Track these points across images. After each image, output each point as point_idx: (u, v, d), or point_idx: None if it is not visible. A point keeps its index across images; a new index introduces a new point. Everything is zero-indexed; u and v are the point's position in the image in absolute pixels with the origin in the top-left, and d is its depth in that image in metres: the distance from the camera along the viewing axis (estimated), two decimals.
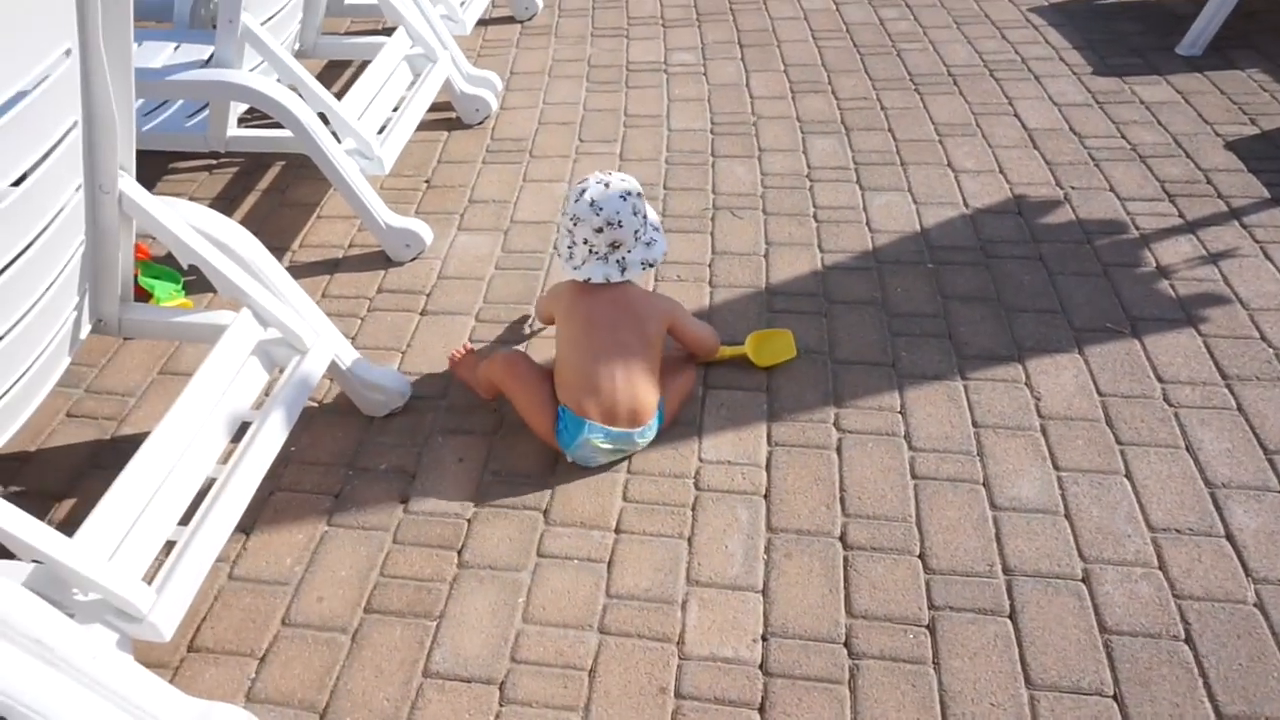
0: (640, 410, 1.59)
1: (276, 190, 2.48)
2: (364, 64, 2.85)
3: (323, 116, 2.05)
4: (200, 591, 1.47)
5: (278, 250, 2.26)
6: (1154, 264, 2.06)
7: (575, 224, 1.57)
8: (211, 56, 2.02)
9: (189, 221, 1.51)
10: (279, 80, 2.04)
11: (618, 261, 1.58)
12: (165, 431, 1.36)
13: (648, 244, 1.61)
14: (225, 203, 2.45)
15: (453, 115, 2.74)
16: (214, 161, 2.60)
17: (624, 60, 3.07)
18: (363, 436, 1.75)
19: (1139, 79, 2.78)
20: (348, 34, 3.27)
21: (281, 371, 1.58)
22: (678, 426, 1.72)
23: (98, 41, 1.24)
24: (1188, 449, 1.64)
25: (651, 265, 1.61)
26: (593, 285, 1.60)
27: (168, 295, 2.03)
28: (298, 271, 2.18)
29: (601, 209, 1.54)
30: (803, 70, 2.93)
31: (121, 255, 1.54)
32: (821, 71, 2.92)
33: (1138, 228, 2.17)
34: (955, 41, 3.07)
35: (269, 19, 2.05)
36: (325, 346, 1.62)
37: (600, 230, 1.55)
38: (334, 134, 2.07)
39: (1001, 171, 2.40)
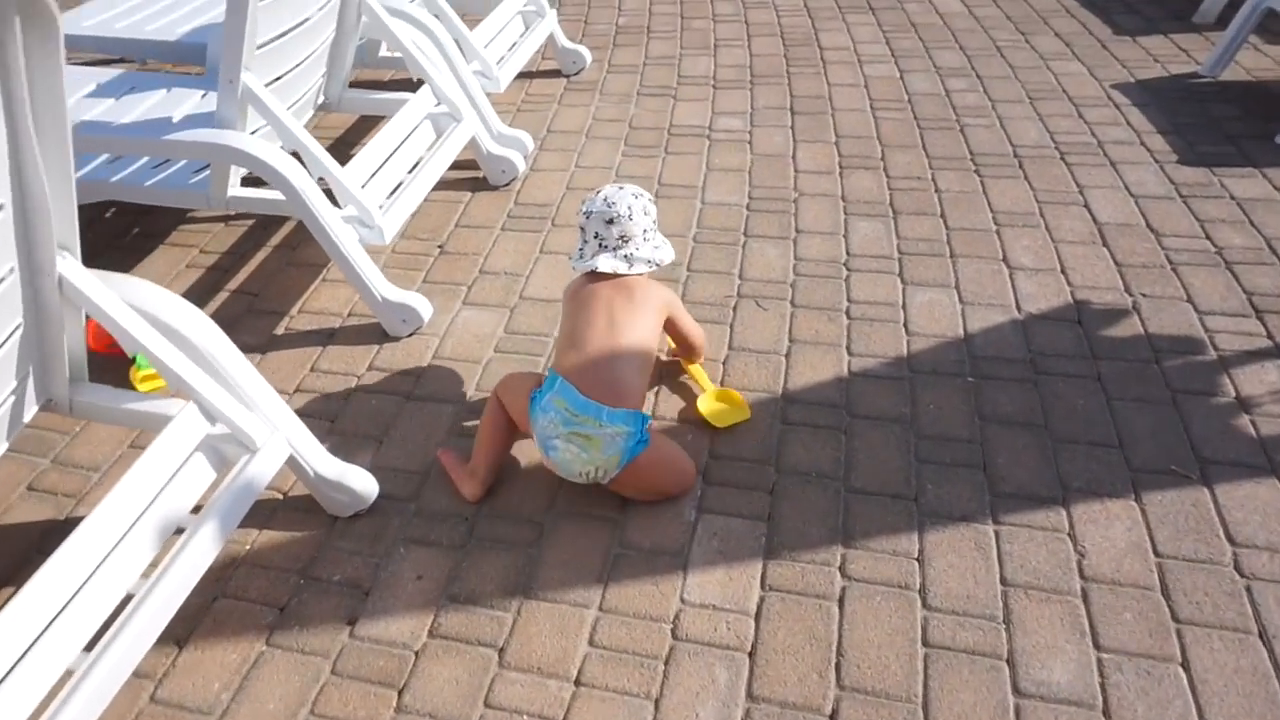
0: (618, 388, 1.54)
1: (287, 247, 2.40)
2: None
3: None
4: (117, 710, 1.34)
5: (276, 314, 2.16)
6: (1233, 394, 1.79)
7: (588, 219, 1.70)
8: None
9: (137, 305, 1.40)
10: (281, 144, 1.94)
11: (625, 256, 1.67)
12: (81, 539, 1.24)
13: (655, 247, 1.71)
14: (234, 258, 2.37)
15: (480, 175, 2.62)
16: (230, 213, 2.53)
17: (667, 122, 2.92)
18: (323, 538, 1.61)
19: (1231, 171, 2.50)
20: (381, 87, 3.20)
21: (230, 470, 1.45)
22: (662, 556, 1.53)
23: (25, 120, 1.13)
24: (1261, 636, 1.37)
25: (658, 265, 1.70)
26: (599, 274, 1.67)
27: (148, 364, 1.93)
28: (291, 340, 2.07)
29: (614, 203, 1.68)
30: (855, 143, 2.73)
31: (68, 337, 1.43)
32: (875, 145, 2.72)
33: (1216, 348, 1.90)
34: (1026, 119, 2.83)
35: (276, 80, 1.96)
36: (278, 446, 1.48)
37: (611, 222, 1.67)
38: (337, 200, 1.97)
39: (1063, 271, 2.15)
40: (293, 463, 1.55)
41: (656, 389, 1.88)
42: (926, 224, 2.34)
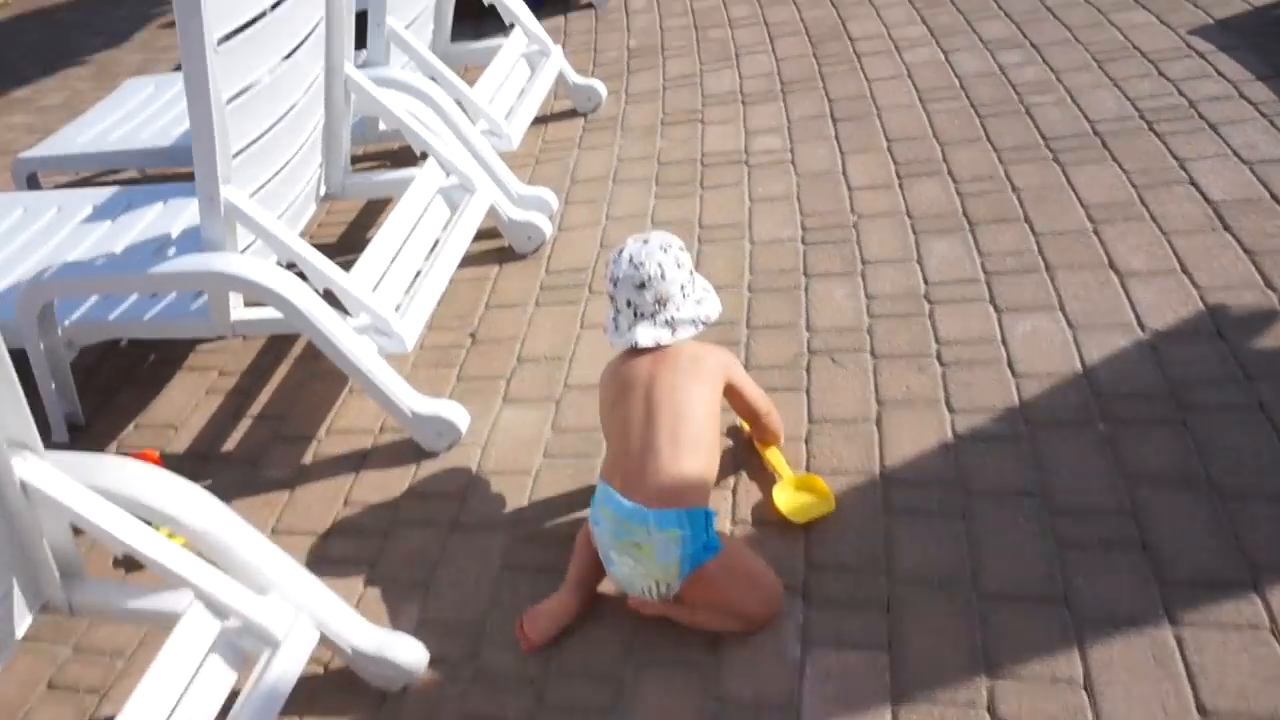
0: (666, 485, 1.32)
1: (309, 358, 2.18)
2: None
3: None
4: None
5: (303, 439, 1.94)
6: None
7: (616, 286, 1.47)
8: None
9: (117, 492, 1.18)
10: (277, 259, 1.73)
11: (667, 322, 1.45)
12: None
13: (698, 301, 1.48)
14: (255, 377, 2.17)
15: (504, 244, 2.38)
16: None
17: (699, 152, 2.64)
18: (372, 715, 1.38)
19: None
20: (394, 157, 2.98)
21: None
22: (769, 712, 1.26)
23: None
24: None
25: (705, 324, 1.48)
26: (639, 350, 1.45)
27: None
28: (321, 468, 1.86)
29: (642, 264, 1.43)
30: (910, 146, 2.42)
31: (48, 537, 1.23)
32: (933, 145, 2.40)
33: None
34: (1099, 87, 2.48)
35: (262, 186, 1.74)
36: (304, 633, 1.26)
37: (643, 286, 1.43)
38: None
39: (1185, 270, 1.82)
40: (326, 641, 1.32)
41: (733, 481, 1.61)
42: (1010, 233, 2.02)
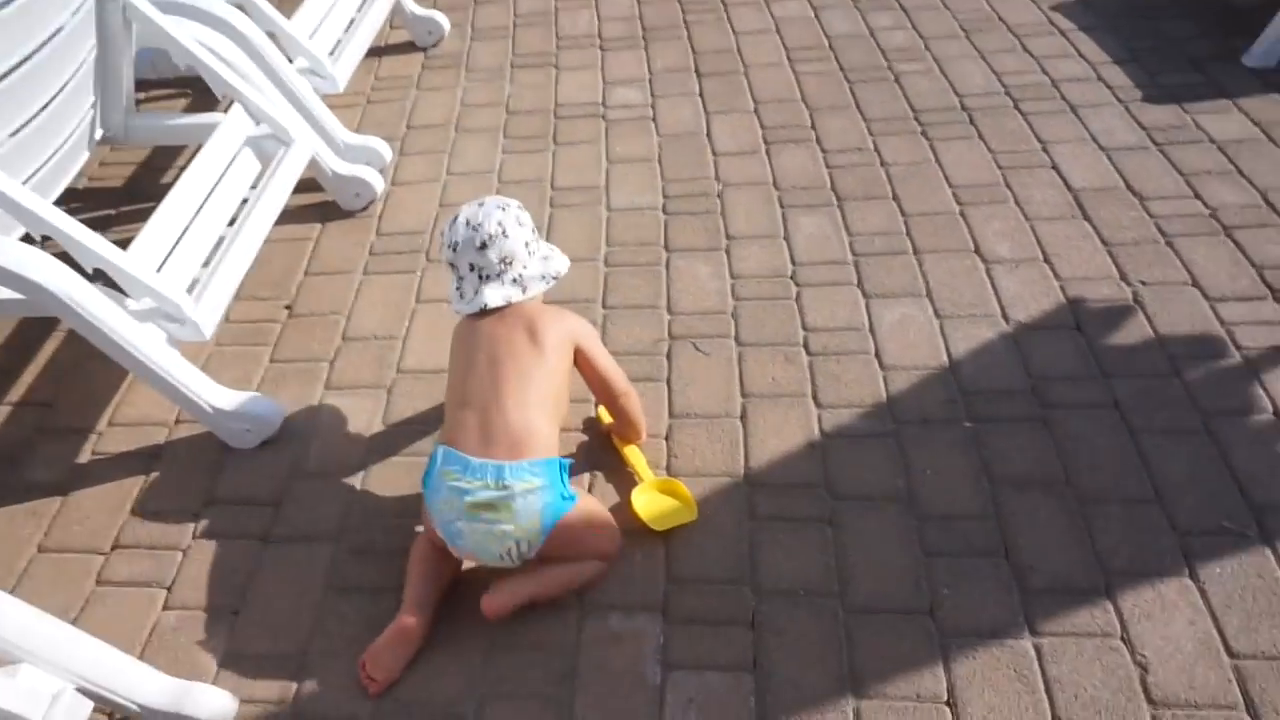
0: (516, 437, 1.31)
1: None
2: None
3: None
4: None
5: (77, 433, 1.71)
6: (1270, 408, 1.55)
7: (456, 253, 1.43)
8: None
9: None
10: (28, 232, 1.47)
11: (515, 280, 1.42)
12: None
13: (544, 258, 1.47)
14: (16, 352, 1.88)
15: (329, 199, 2.17)
16: None
17: (552, 101, 2.50)
18: None
19: (1203, 106, 2.26)
20: (187, 98, 2.66)
21: None
22: None
23: None
24: None
25: (555, 279, 1.47)
26: (486, 312, 1.41)
27: None
28: (101, 470, 1.64)
29: (480, 224, 1.41)
30: (779, 109, 2.38)
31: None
32: (802, 110, 2.37)
33: (1239, 346, 1.66)
34: (966, 58, 2.53)
35: (12, 135, 1.47)
36: (71, 709, 1.08)
37: (484, 246, 1.40)
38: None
39: (1047, 259, 1.88)
40: (108, 703, 1.15)
41: (588, 480, 1.54)
42: (879, 212, 2.03)
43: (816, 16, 2.78)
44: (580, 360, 1.47)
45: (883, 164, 2.16)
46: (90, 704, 1.11)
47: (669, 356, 1.74)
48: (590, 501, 1.40)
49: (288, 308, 1.93)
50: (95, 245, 1.45)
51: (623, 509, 1.47)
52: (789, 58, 2.59)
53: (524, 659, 1.31)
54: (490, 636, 1.33)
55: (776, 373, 1.69)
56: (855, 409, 1.61)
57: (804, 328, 1.77)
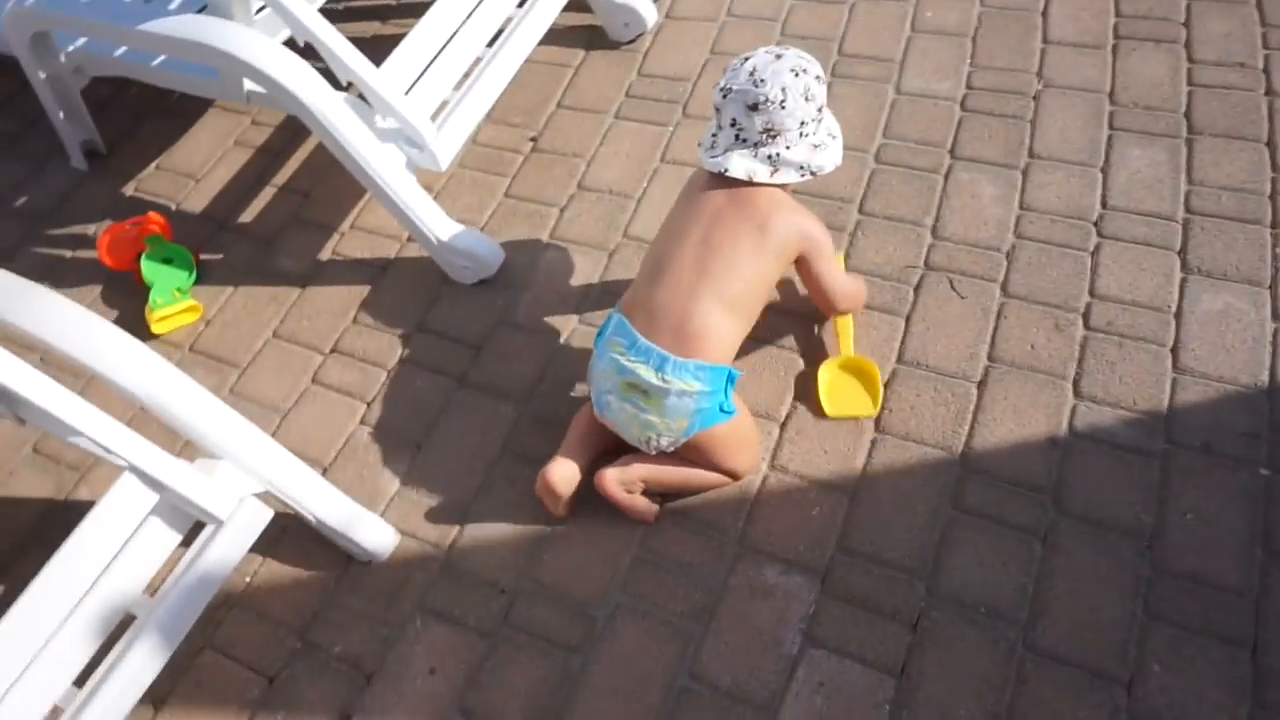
0: (692, 333, 1.25)
1: None
2: None
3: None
4: None
5: (324, 229, 1.82)
6: None
7: (725, 99, 1.31)
8: None
9: (50, 339, 1.08)
10: (292, 36, 1.50)
11: (770, 157, 1.31)
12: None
13: (815, 146, 1.33)
14: (288, 136, 2.01)
15: (596, 22, 2.06)
16: None
17: None
18: (332, 583, 1.36)
19: None
20: None
21: None
22: (743, 707, 1.18)
23: None
24: None
25: (814, 174, 1.34)
26: (723, 178, 1.31)
27: (167, 294, 1.67)
28: (336, 271, 1.75)
29: (764, 81, 1.28)
30: None
31: None
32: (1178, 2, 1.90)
33: None
34: None
35: None
36: (253, 512, 1.20)
37: (755, 108, 1.28)
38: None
39: None
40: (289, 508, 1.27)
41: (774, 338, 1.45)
42: (1242, 159, 1.62)
43: None
44: (803, 269, 1.38)
45: (1270, 92, 1.71)
46: (271, 513, 1.21)
47: (917, 289, 1.54)
48: (745, 419, 1.33)
49: (533, 140, 1.90)
50: (350, 59, 1.46)
51: (807, 377, 1.42)
52: None
53: (668, 580, 1.29)
54: (643, 546, 1.32)
55: (1039, 340, 1.45)
56: (1122, 411, 1.36)
57: (1091, 292, 1.49)
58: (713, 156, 1.33)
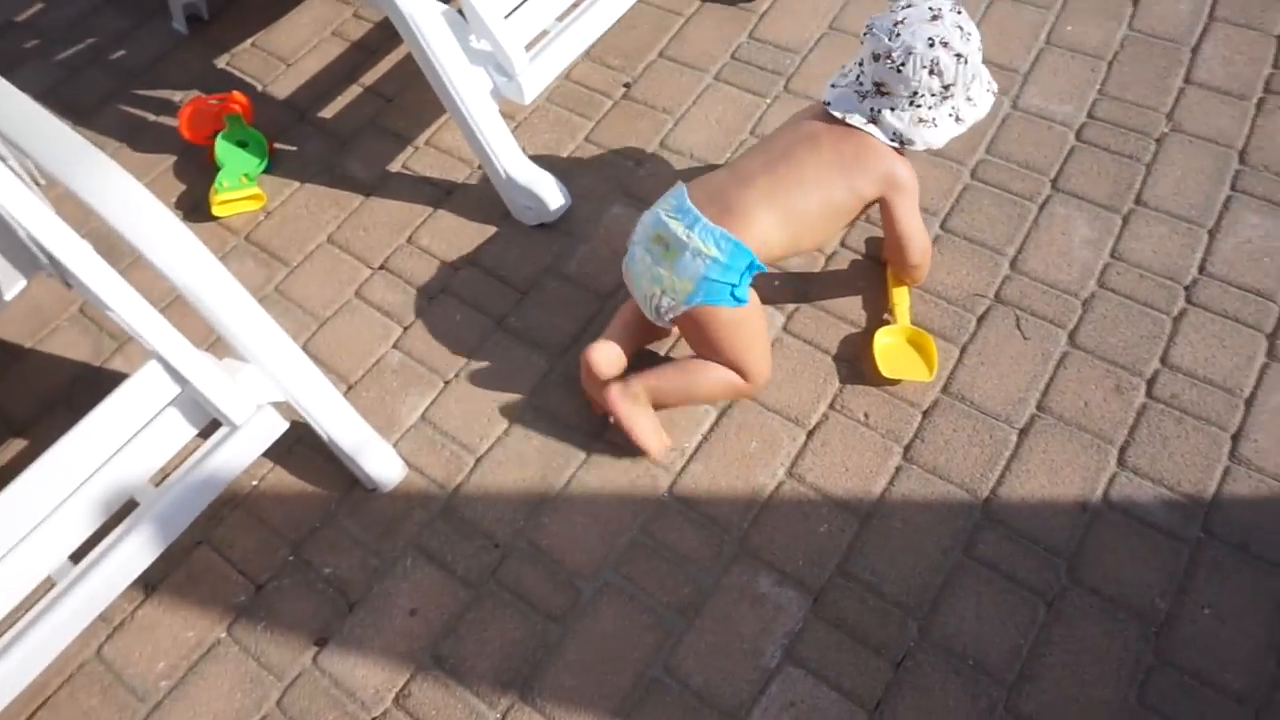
0: (734, 209, 1.31)
1: None
2: None
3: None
4: (64, 653, 1.28)
5: (399, 139, 1.85)
6: None
7: (865, 35, 1.36)
8: None
9: (113, 217, 1.12)
10: None
11: (872, 110, 1.37)
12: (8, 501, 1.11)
13: (921, 120, 1.35)
14: (385, 33, 2.02)
15: None
16: None
17: None
18: (334, 503, 1.42)
19: None
20: None
21: None
22: (709, 713, 1.20)
23: None
24: None
25: (908, 146, 1.38)
26: (830, 111, 1.39)
27: (234, 178, 1.72)
28: (403, 186, 1.78)
29: (898, 35, 1.30)
30: None
31: None
32: None
33: None
34: None
35: None
36: (268, 422, 1.24)
37: (877, 58, 1.33)
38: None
39: None
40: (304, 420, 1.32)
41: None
42: None
43: None
44: (885, 211, 1.41)
45: None
46: (286, 425, 1.26)
47: (981, 319, 1.51)
48: (756, 316, 1.35)
49: (626, 86, 1.88)
50: None
51: (861, 341, 1.46)
52: None
53: (661, 568, 1.31)
54: (644, 530, 1.35)
55: (1095, 398, 1.42)
56: (1163, 489, 1.33)
57: (1163, 359, 1.44)
58: (831, 85, 1.42)
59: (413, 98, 1.90)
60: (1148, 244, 1.57)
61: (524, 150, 1.63)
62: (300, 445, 1.46)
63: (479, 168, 1.77)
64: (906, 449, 1.40)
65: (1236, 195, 1.62)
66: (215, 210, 1.71)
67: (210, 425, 1.22)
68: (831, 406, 1.44)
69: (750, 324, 1.34)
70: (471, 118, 1.55)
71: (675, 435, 1.41)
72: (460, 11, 1.55)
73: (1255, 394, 1.40)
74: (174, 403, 1.19)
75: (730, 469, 1.39)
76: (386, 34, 2.02)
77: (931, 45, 1.28)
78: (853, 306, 1.53)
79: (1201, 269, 1.53)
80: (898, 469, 1.38)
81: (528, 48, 1.57)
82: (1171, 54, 1.82)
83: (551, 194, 1.63)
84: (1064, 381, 1.44)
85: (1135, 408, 1.40)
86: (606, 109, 1.85)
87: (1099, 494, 1.33)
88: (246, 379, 1.23)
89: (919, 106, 1.34)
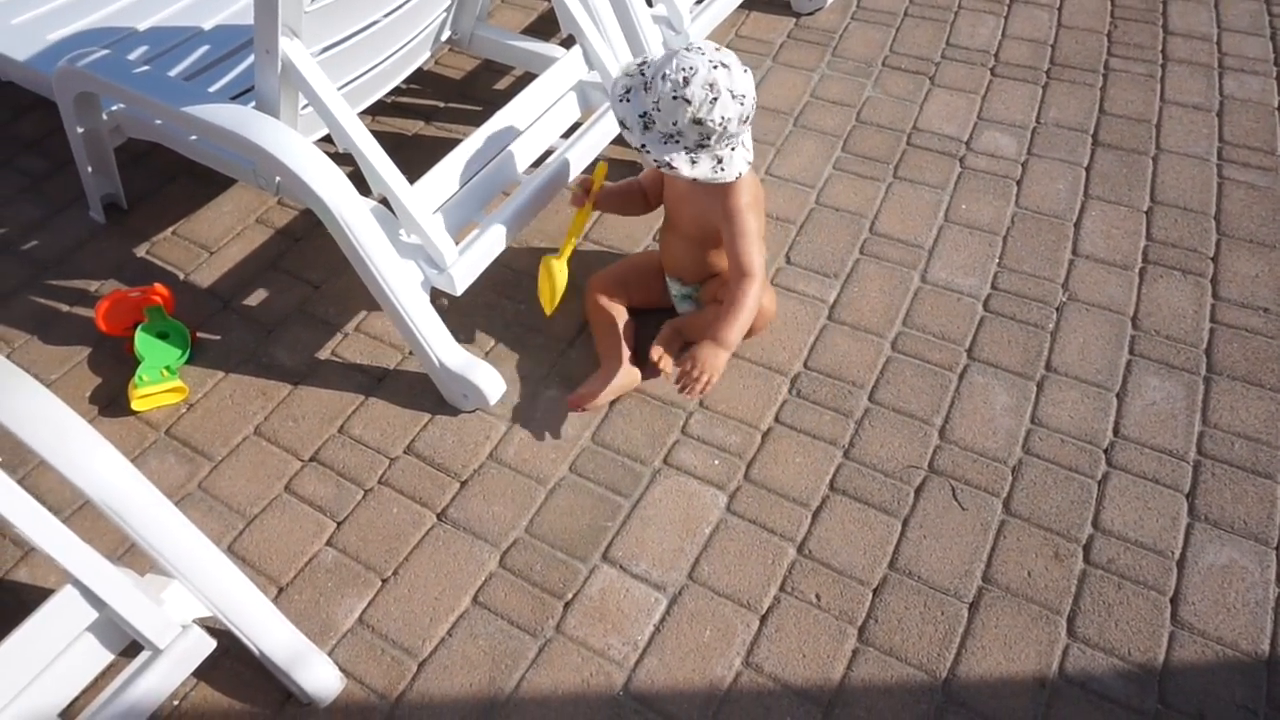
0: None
1: None
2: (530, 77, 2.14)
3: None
4: None
5: (328, 326, 1.78)
6: None
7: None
8: None
9: (17, 428, 1.02)
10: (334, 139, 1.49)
11: (623, 125, 1.47)
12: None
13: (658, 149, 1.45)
14: (310, 223, 1.98)
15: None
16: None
17: (910, 122, 2.21)
18: (268, 717, 1.26)
19: None
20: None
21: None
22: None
23: None
24: None
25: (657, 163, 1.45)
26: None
27: (155, 372, 1.62)
28: (332, 374, 1.69)
29: (680, 76, 1.40)
30: (1179, 221, 1.95)
31: None
32: (1210, 231, 1.92)
33: None
34: None
35: (350, 37, 1.48)
36: (197, 645, 1.11)
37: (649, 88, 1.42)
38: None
39: None
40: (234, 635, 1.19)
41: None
42: (1261, 407, 1.60)
43: None
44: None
45: None
46: (214, 644, 1.13)
47: (919, 491, 1.50)
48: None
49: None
50: (385, 171, 1.45)
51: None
52: (1219, 154, 2.11)
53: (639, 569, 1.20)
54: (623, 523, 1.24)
55: (1037, 567, 1.40)
56: (1116, 660, 1.30)
57: (1094, 524, 1.45)
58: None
59: (340, 284, 1.85)
60: (1064, 409, 1.60)
61: (455, 333, 1.59)
62: (227, 658, 1.31)
63: (410, 354, 1.71)
64: (861, 630, 1.34)
65: (1136, 359, 1.68)
66: (135, 405, 1.60)
67: (131, 645, 1.09)
68: (782, 589, 1.39)
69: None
70: (404, 310, 1.50)
71: (625, 628, 1.33)
72: (386, 204, 1.53)
73: (1185, 555, 1.41)
74: (90, 628, 1.05)
75: (686, 661, 1.31)
76: (311, 221, 1.98)
77: (690, 79, 1.38)
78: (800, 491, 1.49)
79: (1116, 432, 1.57)
80: (855, 651, 1.32)
81: (458, 240, 1.56)
82: (1058, 228, 1.93)
83: (490, 383, 1.58)
84: (1005, 551, 1.42)
85: (1076, 575, 1.39)
86: (535, 292, 1.83)
87: (1054, 668, 1.29)
88: (170, 597, 1.11)
89: (647, 120, 1.43)
